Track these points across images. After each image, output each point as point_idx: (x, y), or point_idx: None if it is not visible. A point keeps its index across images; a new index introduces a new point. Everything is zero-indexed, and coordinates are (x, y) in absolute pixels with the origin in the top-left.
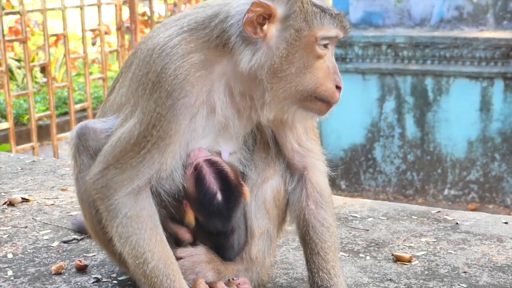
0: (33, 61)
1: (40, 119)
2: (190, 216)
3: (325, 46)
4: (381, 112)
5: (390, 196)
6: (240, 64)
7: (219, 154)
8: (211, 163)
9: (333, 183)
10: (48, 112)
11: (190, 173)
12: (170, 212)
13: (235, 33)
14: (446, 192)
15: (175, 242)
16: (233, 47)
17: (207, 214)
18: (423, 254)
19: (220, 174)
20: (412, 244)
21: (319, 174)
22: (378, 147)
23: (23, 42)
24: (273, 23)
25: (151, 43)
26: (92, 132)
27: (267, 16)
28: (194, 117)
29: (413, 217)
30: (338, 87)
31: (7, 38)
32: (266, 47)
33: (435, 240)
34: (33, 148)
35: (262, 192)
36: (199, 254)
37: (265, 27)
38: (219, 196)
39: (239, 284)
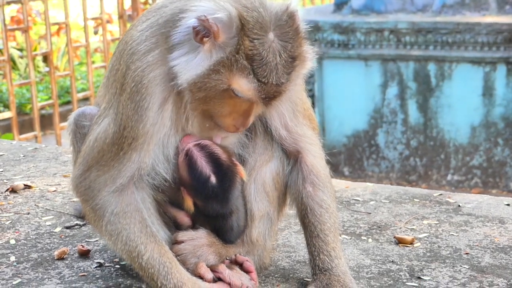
0: (35, 50)
1: (42, 108)
2: (189, 202)
3: (236, 94)
4: (383, 98)
5: (394, 182)
6: (173, 61)
7: (210, 138)
8: (201, 147)
9: (336, 170)
10: (50, 101)
11: (181, 160)
12: (169, 196)
13: (183, 30)
14: (449, 177)
15: (175, 226)
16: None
17: (203, 198)
18: (425, 236)
19: (211, 156)
20: (414, 227)
21: (313, 157)
22: (381, 133)
23: (25, 31)
24: (212, 41)
25: (126, 36)
26: (89, 119)
27: (209, 33)
28: (160, 115)
29: (415, 200)
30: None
31: (9, 27)
32: (196, 56)
33: (437, 222)
34: (35, 137)
35: (261, 175)
36: (200, 237)
37: (205, 39)
38: (212, 179)
39: (242, 262)
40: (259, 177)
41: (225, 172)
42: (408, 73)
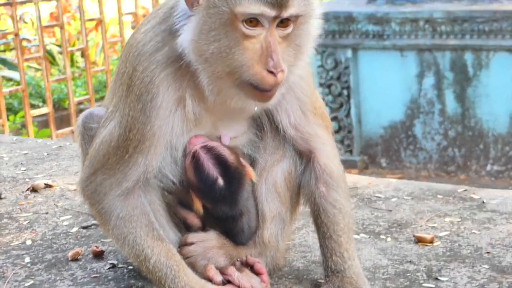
0: (73, 45)
1: (80, 103)
2: (198, 204)
3: (257, 24)
4: (420, 88)
5: (432, 173)
6: (183, 43)
7: (219, 139)
8: (208, 149)
9: (373, 161)
10: (87, 96)
11: (189, 162)
12: (179, 198)
13: (180, 13)
14: (488, 167)
15: (186, 227)
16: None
17: (212, 200)
18: (446, 235)
19: (218, 158)
20: (435, 224)
21: (326, 157)
22: (418, 123)
23: (61, 27)
24: None
25: (132, 37)
26: (97, 120)
27: None
28: (168, 117)
29: (438, 196)
30: (270, 72)
31: (48, 23)
32: (195, 22)
33: (460, 219)
34: (72, 132)
35: (272, 175)
36: (210, 239)
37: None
38: (220, 181)
39: (253, 264)
40: (270, 177)
41: (232, 174)
42: (445, 63)
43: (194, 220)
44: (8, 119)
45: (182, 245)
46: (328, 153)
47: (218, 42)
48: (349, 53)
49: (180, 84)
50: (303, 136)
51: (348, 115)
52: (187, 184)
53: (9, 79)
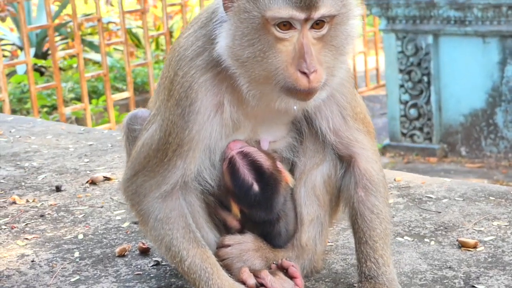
0: (158, 29)
1: None
2: (235, 209)
3: (290, 27)
4: (502, 76)
5: None
6: (219, 49)
7: (258, 142)
8: (244, 155)
9: (453, 149)
10: None
11: (225, 168)
12: (219, 199)
13: (220, 17)
14: None
15: (225, 228)
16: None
17: (247, 205)
18: (491, 240)
19: (254, 164)
20: (482, 228)
21: (366, 162)
22: (499, 112)
23: (142, 12)
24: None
25: (176, 42)
26: (140, 122)
27: None
28: (206, 122)
29: (490, 198)
30: (303, 72)
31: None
32: (229, 27)
33: (508, 224)
34: None
35: (311, 178)
36: (246, 242)
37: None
38: (255, 187)
39: (287, 268)
40: (309, 180)
41: (267, 180)
42: None
43: (233, 222)
44: (90, 103)
45: (219, 247)
46: (368, 158)
47: (252, 46)
48: (430, 39)
49: (219, 89)
50: (343, 141)
51: (428, 102)
52: (224, 188)
53: (96, 62)
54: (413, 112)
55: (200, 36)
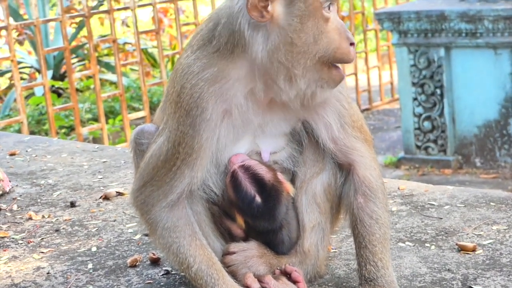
0: (174, 48)
1: None
2: (239, 220)
3: (329, 8)
4: None
5: None
6: (258, 55)
7: (259, 154)
8: (246, 168)
9: (468, 161)
10: None
11: (228, 181)
12: (223, 209)
13: (244, 27)
14: None
15: (230, 237)
16: (246, 42)
17: (251, 216)
18: (489, 243)
19: (255, 177)
20: (481, 232)
21: (365, 169)
22: None
23: (156, 32)
24: (276, 1)
25: (176, 65)
26: (147, 136)
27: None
28: (215, 129)
29: (491, 203)
30: (352, 44)
31: (143, 29)
32: (277, 27)
33: (507, 228)
34: None
35: (312, 187)
36: (251, 249)
37: (269, 8)
38: (258, 199)
39: (290, 272)
40: (309, 189)
41: (269, 192)
42: None
43: (237, 231)
44: (107, 122)
45: (224, 254)
46: (366, 165)
47: (311, 32)
48: (441, 52)
49: (226, 97)
50: (342, 149)
51: (441, 114)
52: (228, 199)
53: (113, 83)
54: (427, 124)
55: (203, 55)
